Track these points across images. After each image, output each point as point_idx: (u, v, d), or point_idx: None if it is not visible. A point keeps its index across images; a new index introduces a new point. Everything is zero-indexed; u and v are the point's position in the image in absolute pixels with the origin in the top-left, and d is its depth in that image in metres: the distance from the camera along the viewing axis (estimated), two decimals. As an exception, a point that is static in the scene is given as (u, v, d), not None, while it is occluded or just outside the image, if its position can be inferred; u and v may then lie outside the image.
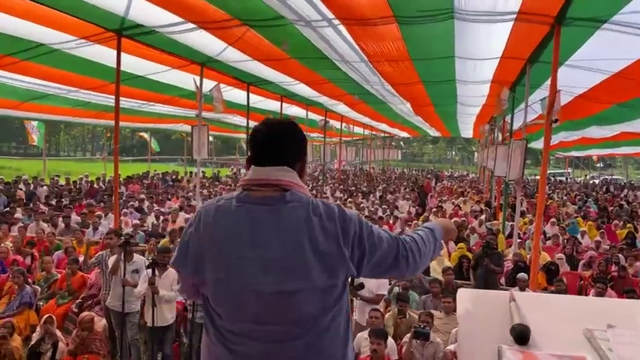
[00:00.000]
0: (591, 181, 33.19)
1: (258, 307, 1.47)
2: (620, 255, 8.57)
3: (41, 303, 6.61)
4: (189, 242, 1.59)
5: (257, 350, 1.48)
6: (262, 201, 1.53)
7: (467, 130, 24.49)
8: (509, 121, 11.02)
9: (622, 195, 22.09)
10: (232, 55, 8.04)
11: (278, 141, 1.61)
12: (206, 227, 1.55)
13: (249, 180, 1.59)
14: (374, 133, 29.54)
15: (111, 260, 5.64)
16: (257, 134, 1.63)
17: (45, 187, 16.16)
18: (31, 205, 12.05)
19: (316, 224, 1.48)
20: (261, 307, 1.47)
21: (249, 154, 1.66)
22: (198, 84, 8.85)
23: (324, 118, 17.49)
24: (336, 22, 5.99)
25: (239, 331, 1.50)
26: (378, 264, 1.57)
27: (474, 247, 9.56)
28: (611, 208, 16.36)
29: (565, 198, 19.55)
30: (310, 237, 1.47)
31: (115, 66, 7.21)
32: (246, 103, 11.35)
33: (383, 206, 14.33)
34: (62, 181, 18.18)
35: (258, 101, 12.68)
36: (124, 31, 6.80)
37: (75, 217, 10.50)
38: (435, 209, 14.18)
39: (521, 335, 1.25)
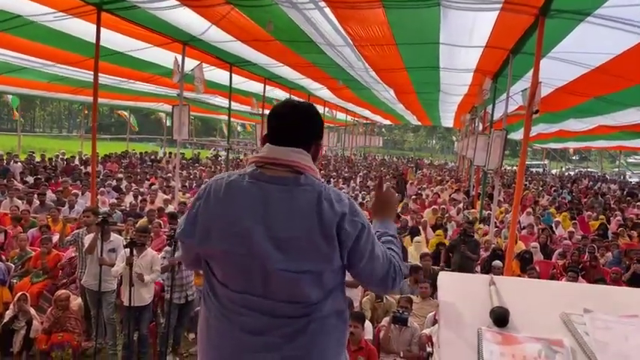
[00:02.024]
0: (566, 173, 33.85)
1: (268, 281, 1.50)
2: (593, 245, 8.79)
3: (15, 280, 6.50)
4: (197, 213, 1.60)
5: (259, 323, 1.51)
6: (276, 180, 1.55)
7: (448, 120, 24.68)
8: (490, 112, 11.14)
9: (595, 187, 22.61)
10: (216, 35, 7.90)
11: (297, 122, 1.63)
12: (217, 200, 1.57)
13: (263, 157, 1.60)
14: (356, 119, 29.53)
15: (87, 239, 5.55)
16: (277, 113, 1.65)
17: (19, 163, 15.77)
18: (5, 181, 11.77)
19: (327, 210, 1.50)
20: (271, 283, 1.50)
21: (265, 132, 1.67)
22: (180, 62, 8.70)
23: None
24: (322, 4, 5.93)
25: (243, 303, 1.53)
26: (364, 274, 1.59)
27: (452, 235, 9.69)
28: (585, 199, 16.73)
29: (541, 189, 19.92)
30: (320, 221, 1.49)
31: (94, 41, 7.03)
32: (228, 84, 11.21)
33: (363, 192, 14.39)
34: (38, 158, 17.77)
35: (241, 82, 12.53)
36: (104, 5, 6.62)
37: (50, 195, 10.30)
38: (414, 197, 14.31)
39: (500, 318, 1.27)
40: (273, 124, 1.64)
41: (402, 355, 4.93)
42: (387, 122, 37.24)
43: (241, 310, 1.53)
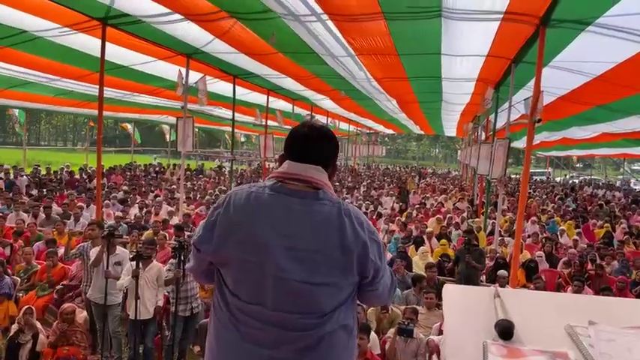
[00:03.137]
0: (570, 181, 33.72)
1: (281, 293, 1.52)
2: (596, 253, 8.75)
3: (21, 294, 6.52)
4: (216, 222, 1.63)
5: (270, 336, 1.53)
6: (296, 194, 1.61)
7: (450, 129, 24.68)
8: (493, 120, 11.15)
9: (600, 195, 22.52)
10: (219, 47, 7.97)
11: (317, 142, 1.72)
12: (237, 210, 1.61)
13: (284, 173, 1.67)
14: (359, 129, 29.59)
15: (93, 252, 5.58)
16: (298, 133, 1.74)
17: (25, 176, 15.87)
18: (12, 194, 11.84)
19: (347, 224, 1.56)
20: (284, 294, 1.52)
21: (285, 150, 1.75)
22: (183, 75, 8.77)
23: (310, 112, 17.46)
24: (325, 16, 5.98)
25: (256, 315, 1.54)
26: (372, 287, 1.67)
27: (456, 245, 9.68)
28: (590, 207, 16.66)
29: (545, 197, 19.86)
30: (340, 235, 1.55)
31: (99, 55, 7.10)
32: (231, 96, 11.28)
33: (367, 202, 14.39)
34: (43, 171, 17.87)
35: (244, 94, 12.61)
36: (109, 20, 6.70)
37: (56, 208, 10.35)
38: (417, 206, 14.30)
39: (505, 330, 1.28)
40: (295, 143, 1.72)
41: (408, 366, 4.91)
42: (390, 132, 37.25)
43: (253, 322, 1.54)
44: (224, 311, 1.60)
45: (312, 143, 1.71)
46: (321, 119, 20.27)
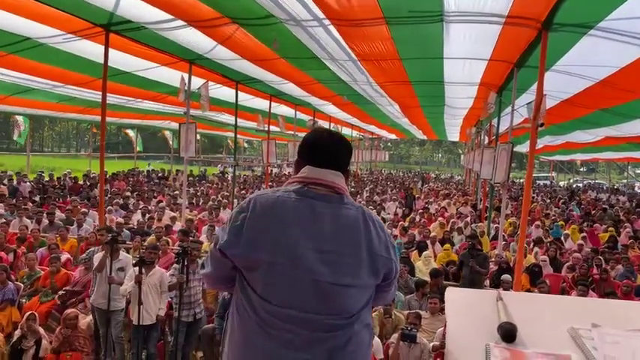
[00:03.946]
0: (574, 185, 33.63)
1: (313, 295, 1.54)
2: (601, 258, 8.70)
3: (24, 300, 6.52)
4: (243, 226, 1.62)
5: (302, 338, 1.53)
6: (322, 198, 1.65)
7: (453, 134, 24.68)
8: (496, 125, 11.14)
9: (604, 199, 22.44)
10: (222, 53, 8.00)
11: (337, 149, 1.78)
12: (265, 214, 1.62)
13: (307, 178, 1.70)
14: (362, 134, 29.62)
15: (96, 257, 5.58)
16: (320, 140, 1.80)
17: (28, 182, 15.92)
18: (15, 201, 11.88)
19: (372, 228, 1.65)
20: (316, 296, 1.54)
21: (300, 154, 1.80)
22: (186, 81, 8.80)
23: (312, 118, 17.49)
24: (327, 22, 6.00)
25: (287, 318, 1.54)
26: (389, 287, 1.77)
27: (459, 249, 9.64)
28: (594, 211, 16.60)
29: (549, 201, 19.80)
30: (367, 238, 1.62)
31: (102, 62, 7.14)
32: (234, 101, 11.31)
33: (370, 207, 14.37)
34: (46, 177, 17.93)
35: (247, 99, 12.64)
36: (112, 27, 6.74)
37: (59, 214, 10.38)
38: (421, 211, 14.27)
39: (508, 333, 1.27)
40: (316, 149, 1.76)
41: (411, 371, 4.88)
42: (393, 137, 37.28)
43: (285, 325, 1.54)
44: (252, 316, 1.58)
45: (333, 150, 1.76)
46: (323, 125, 20.31)
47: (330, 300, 1.55)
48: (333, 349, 1.54)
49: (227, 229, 1.67)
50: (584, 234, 11.44)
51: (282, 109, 15.26)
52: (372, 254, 1.61)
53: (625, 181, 35.06)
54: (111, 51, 7.13)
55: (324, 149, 1.75)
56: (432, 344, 4.97)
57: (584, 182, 37.12)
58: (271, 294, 1.56)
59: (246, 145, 40.34)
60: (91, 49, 7.69)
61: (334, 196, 1.67)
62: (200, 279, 5.67)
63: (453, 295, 1.57)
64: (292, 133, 16.41)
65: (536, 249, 9.52)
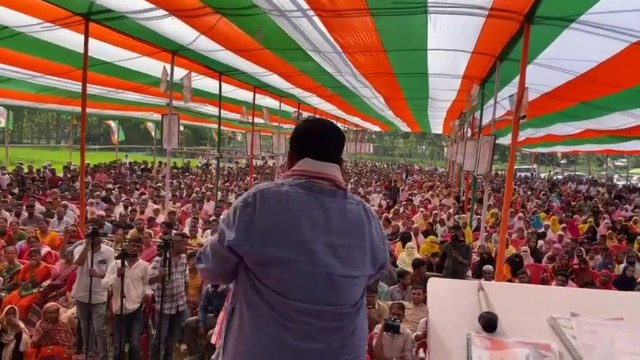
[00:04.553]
0: (555, 177, 34.14)
1: (327, 288, 1.57)
2: (582, 248, 8.86)
3: (3, 294, 6.41)
4: (252, 221, 1.58)
5: (316, 328, 1.56)
6: (327, 192, 1.66)
7: (437, 126, 24.82)
8: (479, 117, 11.23)
9: (583, 191, 22.84)
10: (205, 44, 7.91)
11: (333, 140, 1.78)
12: (274, 209, 1.60)
13: (309, 171, 1.69)
14: (347, 126, 29.62)
15: (77, 250, 5.51)
16: (316, 130, 1.77)
17: (7, 175, 15.62)
18: (-7, 193, 11.65)
19: (372, 221, 1.72)
20: (329, 289, 1.58)
21: (295, 146, 1.77)
22: (168, 72, 8.68)
23: (297, 110, 17.43)
24: (311, 12, 5.97)
25: (304, 311, 1.55)
26: (378, 275, 1.90)
27: (440, 243, 9.73)
28: (574, 202, 16.89)
29: (530, 193, 20.08)
30: (370, 231, 1.69)
31: (82, 51, 7.00)
32: (217, 93, 11.21)
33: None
34: (26, 170, 17.61)
35: (231, 91, 12.54)
36: (92, 16, 6.61)
37: (39, 207, 10.20)
38: (405, 202, 14.37)
39: (489, 323, 1.28)
40: (313, 140, 1.75)
41: (395, 361, 4.93)
42: (377, 129, 37.38)
43: (302, 317, 1.55)
44: (266, 310, 1.56)
45: (330, 141, 1.76)
46: (307, 116, 20.26)
47: (342, 291, 1.60)
48: (345, 337, 1.59)
49: (234, 224, 1.61)
50: (564, 225, 11.65)
51: (267, 101, 15.18)
52: (373, 246, 1.68)
53: (604, 172, 35.71)
54: (91, 40, 7.01)
55: (322, 141, 1.74)
56: (414, 334, 5.03)
57: (565, 174, 37.71)
58: (286, 289, 1.56)
59: (230, 135, 40.07)
60: (70, 39, 7.55)
61: (338, 191, 1.68)
62: (182, 271, 5.64)
63: (435, 285, 1.58)
64: (277, 125, 16.33)
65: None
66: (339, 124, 20.55)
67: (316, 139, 1.74)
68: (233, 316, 1.66)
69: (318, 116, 20.61)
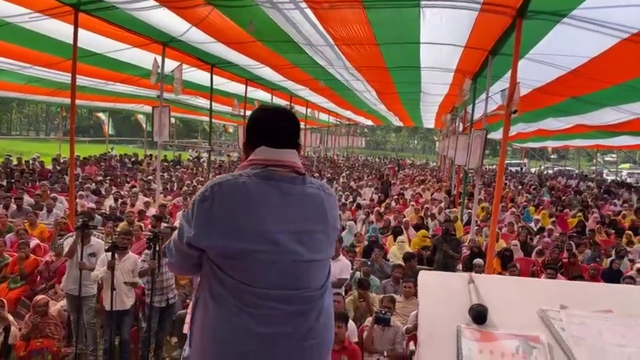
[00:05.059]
0: (545, 172, 34.38)
1: (292, 274, 1.60)
2: (572, 242, 8.94)
3: (-9, 287, 6.36)
4: (210, 216, 1.59)
5: (284, 313, 1.58)
6: (286, 179, 1.66)
7: (429, 120, 24.87)
8: (471, 112, 11.26)
9: (573, 185, 23.02)
10: (196, 36, 7.85)
11: (288, 126, 1.76)
12: (232, 201, 1.59)
13: (267, 160, 1.68)
14: (339, 120, 29.60)
15: (67, 243, 5.47)
16: (269, 118, 1.76)
17: (-5, 167, 15.45)
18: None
19: (332, 204, 1.75)
20: (295, 275, 1.60)
21: (250, 135, 1.75)
22: (159, 64, 8.61)
23: (289, 103, 17.38)
24: (303, 4, 5.93)
25: (270, 298, 1.57)
26: None
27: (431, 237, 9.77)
28: (564, 197, 17.02)
29: (520, 187, 20.20)
30: (330, 215, 1.71)
31: (71, 42, 6.91)
32: (209, 85, 11.13)
33: (346, 193, 14.43)
34: (14, 162, 17.43)
35: (222, 83, 12.46)
36: (81, 6, 6.53)
37: (28, 199, 10.10)
38: (396, 196, 14.40)
39: (479, 315, 1.29)
40: (268, 128, 1.73)
41: (385, 354, 4.95)
42: (370, 123, 37.39)
43: (268, 304, 1.56)
44: (230, 300, 1.57)
45: (285, 128, 1.74)
46: (300, 110, 20.21)
47: (308, 276, 1.63)
48: (310, 320, 1.62)
49: (192, 220, 1.62)
50: (554, 219, 11.74)
51: (259, 94, 15.12)
52: (334, 229, 1.75)
53: (594, 167, 36.01)
54: (80, 31, 6.93)
55: (278, 128, 1.73)
56: (405, 327, 5.05)
57: (555, 169, 37.99)
58: (252, 278, 1.56)
59: (222, 127, 39.90)
60: (59, 29, 7.44)
61: (297, 177, 1.68)
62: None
63: (426, 278, 1.58)
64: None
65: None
66: (331, 118, 20.61)
67: (271, 127, 1.73)
68: (197, 308, 1.68)
69: (308, 111, 20.58)
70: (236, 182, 1.61)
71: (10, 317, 5.18)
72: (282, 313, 1.58)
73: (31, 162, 17.60)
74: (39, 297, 5.23)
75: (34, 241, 7.21)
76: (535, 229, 10.81)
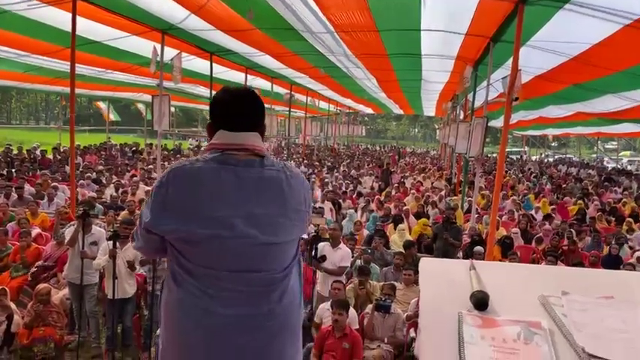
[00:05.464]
0: (546, 160, 34.35)
1: (251, 257, 1.61)
2: (572, 230, 8.95)
3: (-6, 276, 6.39)
4: (166, 202, 1.61)
5: (244, 295, 1.60)
6: (245, 163, 1.65)
7: (430, 108, 24.79)
8: (471, 99, 11.21)
9: (574, 173, 23.00)
10: (195, 23, 7.79)
11: (248, 108, 1.73)
12: (188, 186, 1.60)
13: (225, 144, 1.67)
14: (339, 108, 29.49)
15: (68, 232, 5.48)
16: (228, 101, 1.73)
17: (-5, 156, 15.45)
18: (-18, 175, 11.52)
19: (293, 186, 1.70)
20: (254, 257, 1.61)
21: (213, 119, 1.74)
22: (158, 52, 8.55)
23: (289, 91, 17.30)
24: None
25: (228, 279, 1.60)
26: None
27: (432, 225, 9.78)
28: (564, 185, 17.01)
29: (521, 175, 20.19)
30: (290, 196, 1.68)
31: (70, 30, 6.87)
32: (209, 74, 11.08)
33: (347, 181, 14.43)
34: (15, 151, 17.41)
35: (222, 72, 12.40)
36: (80, -7, 6.47)
37: (29, 188, 10.11)
38: (396, 185, 14.40)
39: (480, 301, 1.29)
40: (227, 111, 1.71)
41: (386, 341, 4.98)
42: (370, 111, 37.27)
43: (226, 285, 1.59)
44: (189, 281, 1.61)
45: (244, 110, 1.72)
46: (300, 98, 20.14)
47: (267, 258, 1.64)
48: (272, 301, 1.63)
49: (150, 205, 1.65)
50: (554, 207, 11.75)
51: (259, 82, 15.05)
52: (298, 212, 1.70)
53: (595, 155, 35.97)
54: (79, 19, 6.87)
55: (238, 111, 1.71)
56: (405, 314, 5.08)
57: (556, 157, 37.95)
58: (210, 261, 1.60)
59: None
60: (58, 17, 7.39)
61: (255, 160, 1.67)
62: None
63: (427, 265, 1.58)
64: (269, 106, 16.22)
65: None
66: (331, 106, 20.51)
67: (230, 110, 1.71)
68: (163, 290, 1.72)
69: (308, 99, 20.48)
70: (191, 168, 1.62)
71: (13, 306, 5.21)
72: (242, 295, 1.60)
73: (31, 151, 17.58)
74: (41, 286, 5.25)
75: (35, 230, 7.22)
76: (536, 218, 10.81)
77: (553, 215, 10.53)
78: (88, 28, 7.86)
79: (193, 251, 1.61)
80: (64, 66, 10.51)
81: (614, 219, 10.99)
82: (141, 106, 26.39)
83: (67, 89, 8.45)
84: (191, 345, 1.62)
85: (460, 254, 7.82)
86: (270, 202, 1.64)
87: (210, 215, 1.57)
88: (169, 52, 8.95)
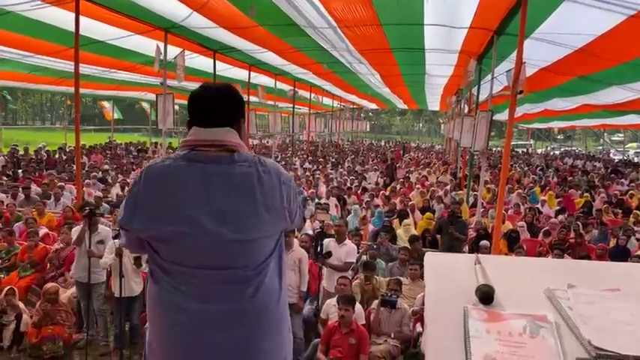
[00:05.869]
0: (551, 153, 34.17)
1: (222, 254, 1.61)
2: (579, 223, 8.91)
3: (2, 275, 6.44)
4: (137, 200, 1.64)
5: (216, 292, 1.61)
6: (214, 160, 1.63)
7: (434, 103, 24.71)
8: (476, 93, 11.16)
9: (580, 165, 22.88)
10: (198, 21, 7.79)
11: (220, 104, 1.71)
12: (156, 185, 1.62)
13: (196, 140, 1.67)
14: (343, 104, 29.43)
15: (74, 231, 5.51)
16: (201, 97, 1.72)
17: (2, 156, 15.53)
18: (-12, 175, 11.59)
19: (266, 181, 1.65)
20: (222, 254, 1.61)
21: (189, 115, 1.74)
22: (162, 50, 8.56)
23: (293, 88, 17.28)
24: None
25: (199, 276, 1.61)
26: (290, 227, 1.89)
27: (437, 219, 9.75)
28: (570, 178, 16.92)
29: (526, 168, 20.10)
30: (262, 192, 1.63)
31: (73, 30, 6.88)
32: (212, 71, 11.07)
33: (351, 177, 14.41)
34: (21, 151, 17.51)
35: (225, 69, 12.40)
36: (82, -7, 6.48)
37: (35, 188, 10.17)
38: (402, 180, 14.38)
39: (486, 295, 1.28)
40: (198, 107, 1.71)
41: (392, 336, 4.99)
42: (374, 106, 37.18)
43: (198, 282, 1.61)
44: (162, 277, 1.64)
45: (216, 106, 1.70)
46: (304, 94, 20.11)
47: (237, 255, 1.62)
48: (244, 299, 1.62)
49: (123, 204, 1.68)
50: (560, 199, 11.69)
51: (262, 79, 15.03)
52: (268, 207, 1.64)
53: (601, 147, 35.74)
54: (82, 19, 6.88)
55: (209, 106, 1.70)
56: (412, 309, 5.08)
57: (561, 149, 37.73)
58: (181, 258, 1.62)
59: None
60: (61, 17, 7.40)
61: (224, 157, 1.64)
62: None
63: (432, 259, 1.58)
64: (272, 103, 16.22)
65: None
66: (335, 102, 20.48)
67: (201, 106, 1.71)
68: (147, 286, 1.76)
69: (312, 95, 20.46)
70: (162, 166, 1.64)
71: (22, 305, 5.26)
72: (214, 292, 1.61)
73: (38, 151, 17.67)
74: (49, 285, 5.29)
75: (42, 230, 7.28)
76: (542, 211, 10.75)
77: (565, 209, 10.46)
78: (91, 27, 7.87)
79: (166, 249, 1.63)
80: (68, 66, 10.54)
81: (621, 211, 10.92)
82: (145, 105, 26.42)
83: (72, 89, 8.48)
84: (170, 340, 1.65)
85: (466, 248, 7.80)
86: (240, 199, 1.61)
87: (178, 213, 1.58)
88: (172, 51, 8.97)
